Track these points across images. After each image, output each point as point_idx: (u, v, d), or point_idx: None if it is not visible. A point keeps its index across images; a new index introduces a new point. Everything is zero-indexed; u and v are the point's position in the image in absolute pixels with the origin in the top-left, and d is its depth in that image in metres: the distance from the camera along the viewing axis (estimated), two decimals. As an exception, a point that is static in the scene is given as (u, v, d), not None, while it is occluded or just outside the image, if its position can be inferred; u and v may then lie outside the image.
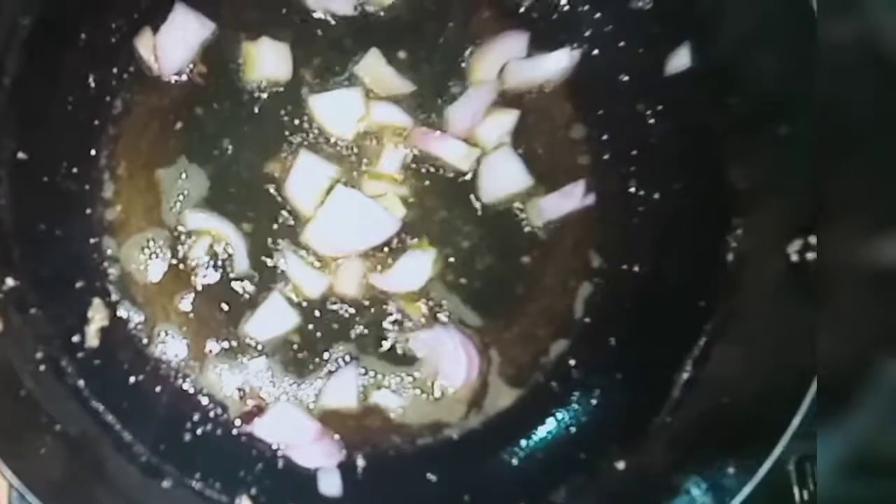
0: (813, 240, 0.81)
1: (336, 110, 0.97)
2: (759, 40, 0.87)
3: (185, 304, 0.94)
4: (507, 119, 0.98)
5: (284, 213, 0.95)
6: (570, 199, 0.98)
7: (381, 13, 0.99)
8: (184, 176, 0.96)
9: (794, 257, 0.83)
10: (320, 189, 0.95)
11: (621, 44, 0.98)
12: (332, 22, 0.99)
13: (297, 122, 0.97)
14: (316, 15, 0.99)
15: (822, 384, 0.71)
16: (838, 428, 0.67)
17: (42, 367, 0.86)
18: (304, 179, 0.95)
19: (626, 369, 0.95)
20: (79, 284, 0.93)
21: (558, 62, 0.98)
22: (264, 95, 0.97)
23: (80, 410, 0.86)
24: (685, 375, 0.90)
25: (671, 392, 0.90)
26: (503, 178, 0.97)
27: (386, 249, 0.95)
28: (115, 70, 0.95)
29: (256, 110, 0.97)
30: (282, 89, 0.97)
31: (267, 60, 0.97)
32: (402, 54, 0.98)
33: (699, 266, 0.93)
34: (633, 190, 0.98)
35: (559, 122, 1.00)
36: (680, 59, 0.95)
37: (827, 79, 0.74)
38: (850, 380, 0.66)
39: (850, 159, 0.74)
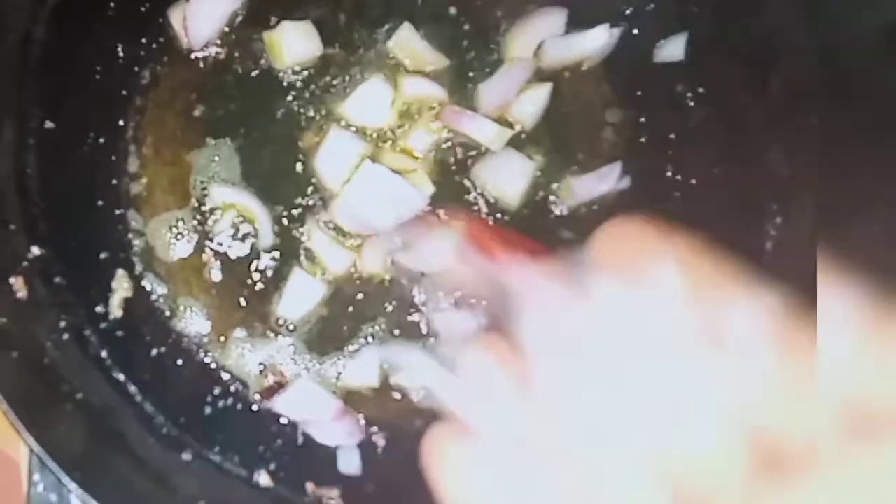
0: (856, 232, 0.78)
1: (367, 107, 0.95)
2: (804, 24, 0.84)
3: (209, 278, 0.93)
4: (541, 94, 0.95)
5: (311, 189, 0.94)
6: (605, 181, 0.95)
7: (414, -12, 0.97)
8: (210, 150, 0.95)
9: (838, 248, 0.80)
10: (349, 165, 0.93)
11: (663, 24, 0.95)
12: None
13: (327, 99, 0.96)
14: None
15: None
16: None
17: (65, 336, 0.85)
18: (334, 156, 0.94)
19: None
20: (103, 255, 0.92)
21: (596, 40, 0.95)
22: (292, 73, 0.96)
23: (102, 381, 0.86)
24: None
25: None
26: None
27: (413, 227, 0.94)
28: (144, 41, 0.94)
29: (286, 85, 0.96)
30: (311, 69, 0.96)
31: (293, 44, 0.95)
32: (433, 29, 0.96)
33: (736, 254, 0.90)
34: (669, 174, 0.95)
35: (595, 103, 0.97)
36: (671, 50, 0.94)
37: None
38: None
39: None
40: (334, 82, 0.96)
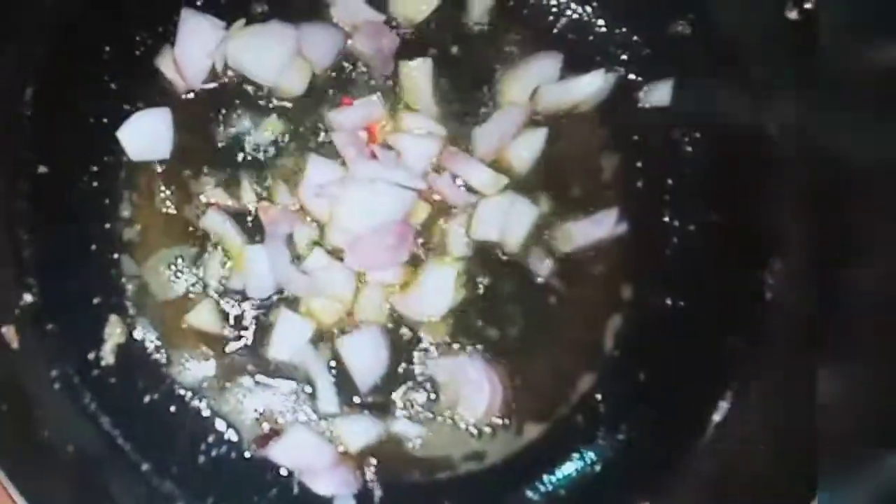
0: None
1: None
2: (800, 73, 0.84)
3: (204, 323, 0.92)
4: (536, 139, 0.95)
5: (302, 223, 0.93)
6: (601, 226, 0.95)
7: (410, 30, 0.97)
8: (203, 189, 0.94)
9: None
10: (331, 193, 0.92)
11: (659, 68, 0.95)
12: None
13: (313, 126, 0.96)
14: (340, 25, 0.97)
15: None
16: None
17: (56, 386, 0.84)
18: (316, 184, 0.92)
19: (654, 406, 0.91)
20: (96, 301, 0.91)
21: (591, 84, 0.94)
22: (282, 103, 0.95)
23: (92, 431, 0.85)
24: (717, 417, 0.88)
25: (702, 434, 0.87)
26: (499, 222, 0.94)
27: (408, 267, 0.93)
28: (137, 84, 0.94)
29: (273, 118, 0.95)
30: (298, 100, 0.95)
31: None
32: (435, 71, 0.96)
33: (734, 302, 0.90)
34: (667, 220, 0.95)
35: (592, 148, 0.97)
36: (657, 95, 0.95)
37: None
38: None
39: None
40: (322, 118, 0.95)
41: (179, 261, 0.93)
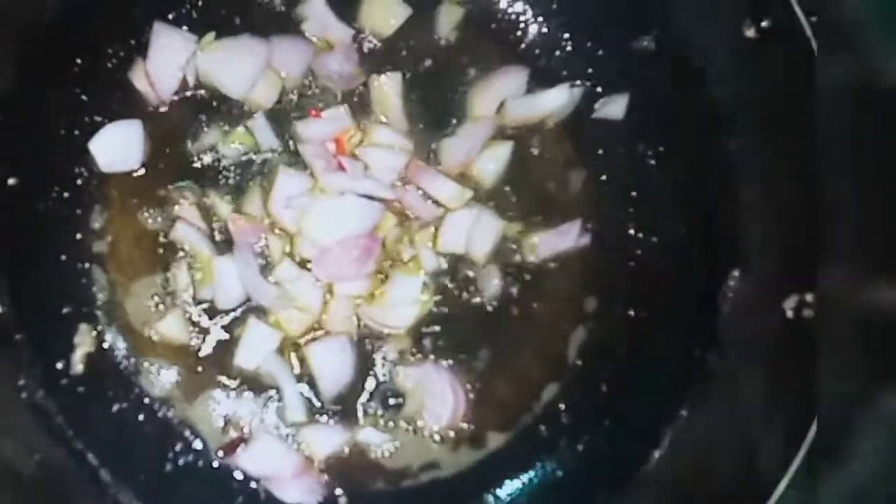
0: (809, 297, 0.80)
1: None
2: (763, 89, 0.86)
3: (173, 333, 0.93)
4: (502, 152, 0.97)
5: (272, 234, 0.94)
6: (566, 237, 0.96)
7: (379, 44, 0.98)
8: (174, 201, 0.95)
9: (790, 313, 0.81)
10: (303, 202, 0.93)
11: (623, 83, 0.97)
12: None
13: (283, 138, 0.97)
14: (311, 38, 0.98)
15: (822, 427, 0.69)
16: (838, 472, 0.66)
17: (23, 395, 0.85)
18: (286, 196, 0.93)
19: (615, 416, 0.93)
20: (66, 310, 0.92)
21: (558, 99, 0.96)
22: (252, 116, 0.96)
23: (58, 441, 0.85)
24: (676, 426, 0.89)
25: (661, 442, 0.89)
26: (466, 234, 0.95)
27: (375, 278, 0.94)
28: (109, 96, 0.95)
29: (243, 130, 0.96)
30: (268, 112, 0.97)
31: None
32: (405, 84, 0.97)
33: (695, 314, 0.91)
34: (631, 232, 0.96)
35: (558, 161, 0.98)
36: (612, 109, 0.96)
37: (826, 119, 0.73)
38: (849, 420, 0.65)
39: (850, 201, 0.73)
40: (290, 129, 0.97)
41: (149, 272, 0.94)
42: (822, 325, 0.75)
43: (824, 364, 0.69)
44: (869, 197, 0.74)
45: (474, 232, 0.95)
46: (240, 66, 0.95)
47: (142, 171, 0.95)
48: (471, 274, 0.95)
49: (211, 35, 0.95)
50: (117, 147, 0.94)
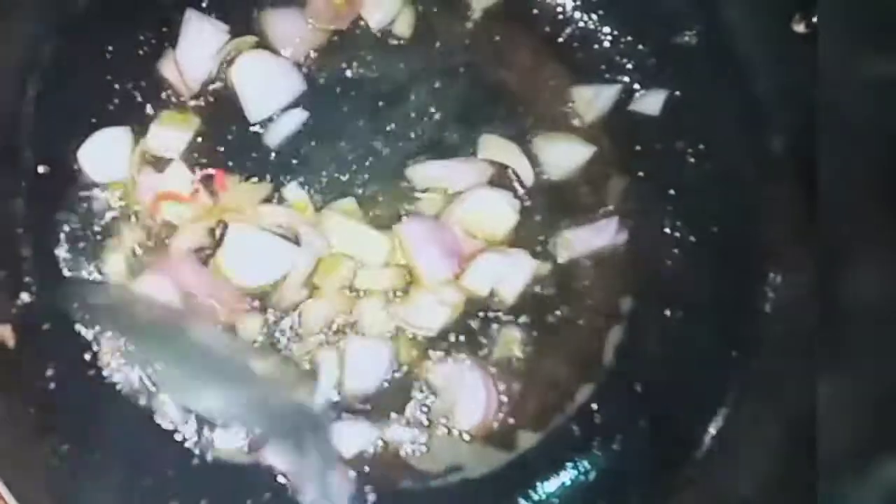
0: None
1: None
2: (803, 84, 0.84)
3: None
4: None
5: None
6: (602, 235, 0.94)
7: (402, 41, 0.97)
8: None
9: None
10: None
11: (662, 79, 0.95)
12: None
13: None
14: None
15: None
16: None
17: (52, 385, 0.84)
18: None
19: (650, 418, 0.91)
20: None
21: (597, 95, 0.95)
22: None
23: (91, 431, 0.84)
24: (713, 428, 0.87)
25: (698, 445, 0.87)
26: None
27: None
28: (140, 84, 0.93)
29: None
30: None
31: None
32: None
33: (733, 314, 0.90)
34: (668, 231, 0.94)
35: (595, 156, 0.96)
36: (649, 104, 0.95)
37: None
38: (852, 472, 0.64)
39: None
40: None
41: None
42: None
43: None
44: None
45: (506, 273, 0.92)
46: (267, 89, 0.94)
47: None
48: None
49: (252, 39, 0.94)
50: (105, 156, 0.91)
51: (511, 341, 0.92)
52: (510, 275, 0.92)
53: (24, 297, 0.84)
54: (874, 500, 0.63)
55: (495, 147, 0.94)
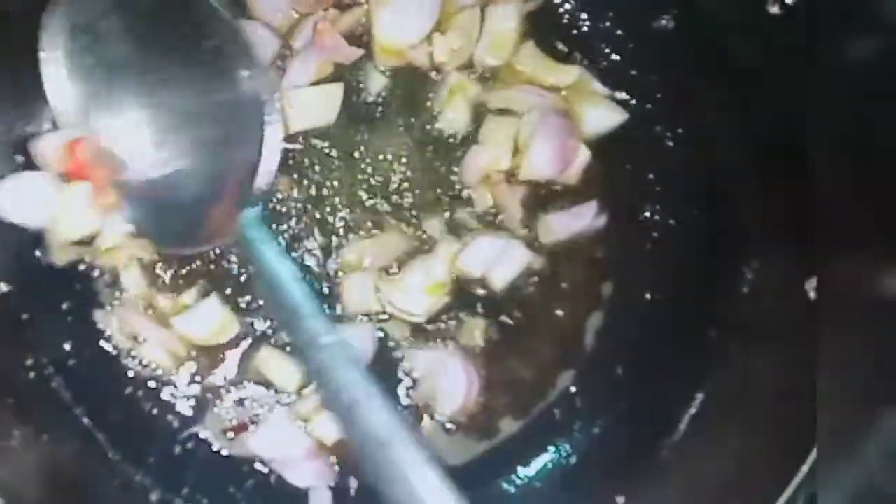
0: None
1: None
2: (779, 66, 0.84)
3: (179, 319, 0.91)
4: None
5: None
6: (581, 218, 0.95)
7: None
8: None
9: (812, 294, 0.80)
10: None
11: (640, 63, 0.95)
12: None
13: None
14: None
15: (823, 430, 0.68)
16: (840, 473, 0.64)
17: (31, 375, 0.84)
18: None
19: (631, 400, 0.91)
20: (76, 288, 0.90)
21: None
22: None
23: (67, 422, 0.84)
24: (692, 411, 0.88)
25: (677, 427, 0.87)
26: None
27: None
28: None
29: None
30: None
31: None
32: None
33: (713, 297, 0.90)
34: (647, 214, 0.95)
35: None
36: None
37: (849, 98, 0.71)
38: (852, 428, 0.64)
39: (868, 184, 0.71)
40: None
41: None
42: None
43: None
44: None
45: (499, 260, 0.92)
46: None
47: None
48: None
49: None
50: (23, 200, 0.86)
51: (491, 327, 0.93)
52: (503, 262, 0.92)
53: (2, 286, 0.84)
54: (877, 455, 0.63)
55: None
